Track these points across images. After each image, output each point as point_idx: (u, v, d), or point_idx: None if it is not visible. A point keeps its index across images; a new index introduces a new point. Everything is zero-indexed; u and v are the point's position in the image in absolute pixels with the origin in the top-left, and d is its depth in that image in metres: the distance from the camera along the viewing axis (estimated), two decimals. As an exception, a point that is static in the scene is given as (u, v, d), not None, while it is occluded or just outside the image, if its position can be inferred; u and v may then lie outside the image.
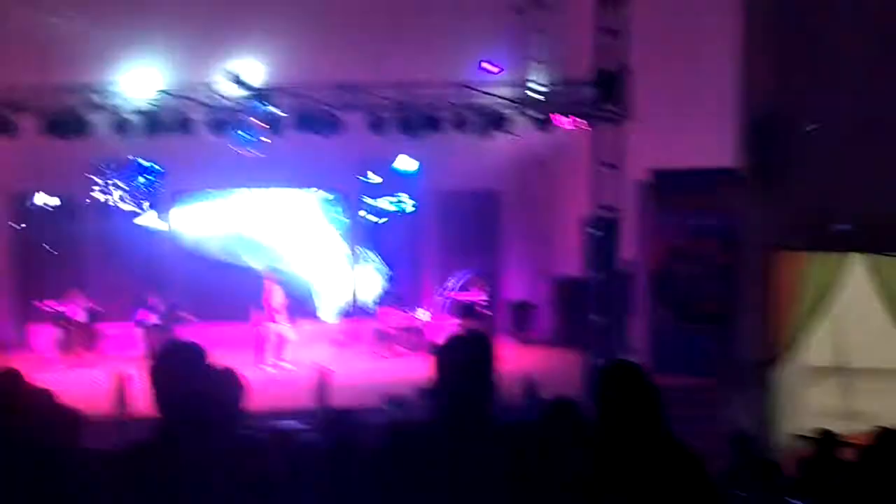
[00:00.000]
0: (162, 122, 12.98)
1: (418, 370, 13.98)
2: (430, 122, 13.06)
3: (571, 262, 15.67)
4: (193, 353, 3.17)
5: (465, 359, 3.12)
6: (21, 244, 17.48)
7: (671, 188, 14.08)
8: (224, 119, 13.07)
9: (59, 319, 16.10)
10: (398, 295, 16.95)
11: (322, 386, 12.62)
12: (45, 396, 4.06)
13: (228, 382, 3.90)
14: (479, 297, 16.79)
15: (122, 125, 12.98)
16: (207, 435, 3.06)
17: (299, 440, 7.70)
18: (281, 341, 15.46)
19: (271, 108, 12.96)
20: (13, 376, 3.30)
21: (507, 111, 13.31)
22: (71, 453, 3.58)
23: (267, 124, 13.19)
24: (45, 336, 16.56)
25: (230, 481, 2.99)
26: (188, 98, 13.01)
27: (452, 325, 16.56)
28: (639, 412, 3.16)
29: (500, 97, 13.27)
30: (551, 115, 13.51)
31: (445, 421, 3.12)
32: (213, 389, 3.18)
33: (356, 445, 6.87)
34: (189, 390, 3.07)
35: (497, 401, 3.16)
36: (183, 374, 3.11)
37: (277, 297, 15.66)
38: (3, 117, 12.75)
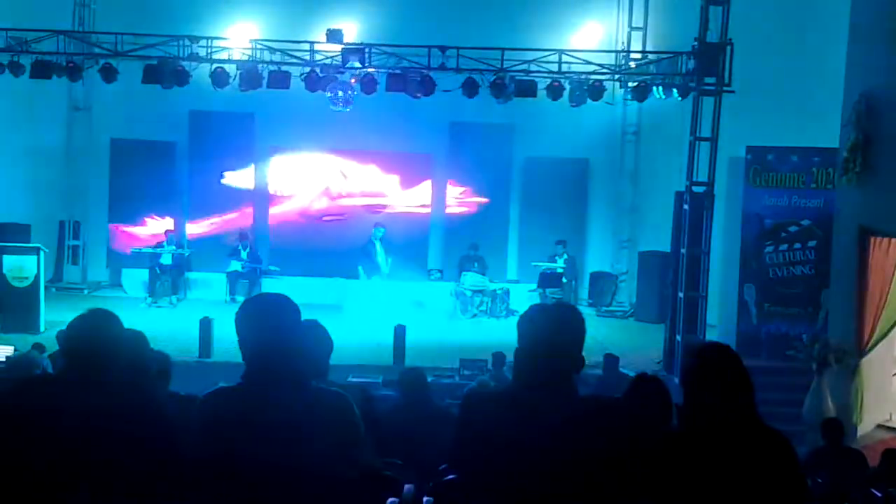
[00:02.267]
0: (259, 76, 13.09)
1: (496, 334, 14.11)
2: (525, 88, 12.94)
3: (659, 235, 15.46)
4: (280, 304, 3.21)
5: (551, 326, 3.09)
6: (118, 189, 17.89)
7: (766, 165, 13.77)
8: (320, 76, 13.13)
9: (151, 264, 16.50)
10: (480, 259, 16.92)
11: (399, 344, 12.75)
12: (137, 339, 4.16)
13: (315, 335, 3.95)
14: (562, 265, 16.68)
15: (220, 78, 13.12)
16: (291, 385, 3.10)
17: (378, 396, 7.80)
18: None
19: (366, 67, 12.97)
20: (108, 316, 3.37)
21: (604, 80, 13.12)
22: (159, 397, 3.66)
23: (361, 83, 13.23)
24: (136, 279, 17.04)
25: (310, 431, 3.03)
26: (286, 53, 13.11)
27: (534, 293, 16.57)
28: (729, 394, 3.10)
29: (597, 65, 13.08)
30: (648, 85, 13.28)
31: (526, 388, 3.10)
32: (299, 340, 3.21)
33: (430, 405, 6.95)
34: (274, 340, 3.10)
35: (577, 372, 3.13)
36: (269, 323, 3.15)
37: (379, 256, 15.81)
38: (106, 64, 13.01)
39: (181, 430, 3.21)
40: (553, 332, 3.09)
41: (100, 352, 3.26)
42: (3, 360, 11.55)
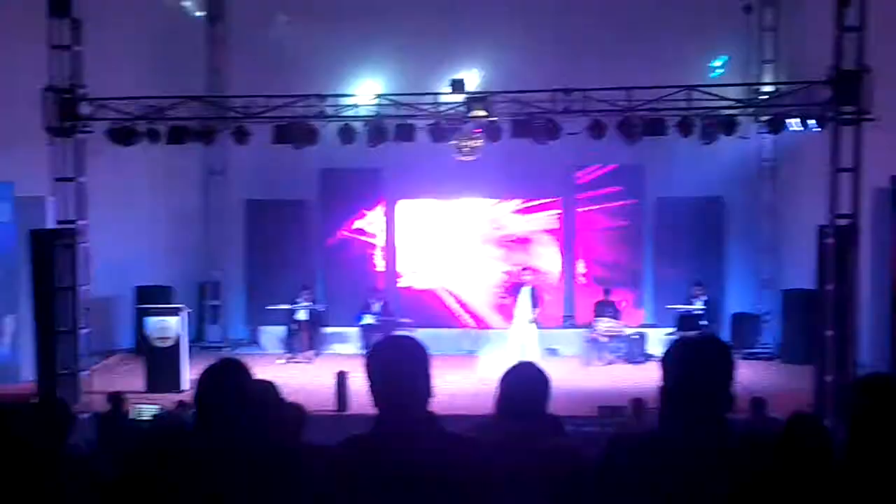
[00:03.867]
0: (386, 130, 13.20)
1: (633, 380, 13.73)
2: (654, 126, 12.66)
3: (802, 272, 14.85)
4: (409, 347, 3.11)
5: (697, 362, 2.88)
6: (254, 248, 18.32)
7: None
8: (445, 127, 13.17)
9: (287, 320, 16.78)
10: (615, 303, 16.60)
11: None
12: (271, 390, 4.12)
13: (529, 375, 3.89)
14: (701, 308, 16.19)
15: (347, 134, 13.29)
16: (424, 430, 2.98)
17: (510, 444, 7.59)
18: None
19: (490, 115, 12.94)
20: (236, 366, 3.33)
21: (736, 114, 12.74)
22: (293, 447, 3.58)
23: (486, 131, 13.20)
24: (273, 335, 17.34)
25: (439, 478, 2.90)
26: (411, 106, 13.19)
27: (672, 336, 16.12)
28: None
29: (729, 99, 12.71)
30: (784, 117, 12.83)
31: (673, 430, 2.89)
32: (430, 384, 3.09)
33: (568, 453, 6.70)
34: (405, 384, 3.00)
35: (727, 411, 2.90)
36: (398, 368, 3.05)
37: (522, 303, 15.54)
38: (238, 127, 13.34)
39: (314, 480, 3.12)
40: (700, 368, 2.88)
41: (228, 402, 3.22)
42: (150, 418, 11.87)
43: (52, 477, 4.25)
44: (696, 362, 2.89)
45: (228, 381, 3.27)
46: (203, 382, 3.27)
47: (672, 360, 2.95)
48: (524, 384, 3.87)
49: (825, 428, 4.15)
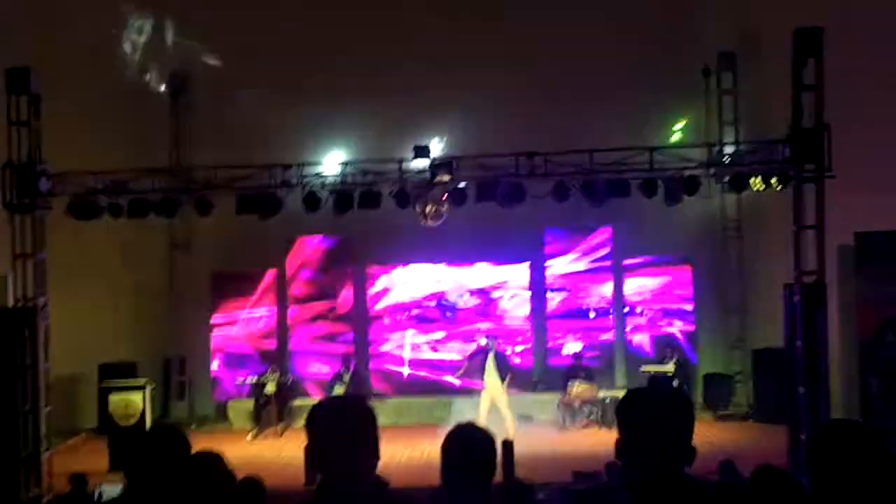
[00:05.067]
0: (351, 197, 13.14)
1: (608, 444, 13.56)
2: (618, 188, 12.69)
3: (771, 331, 14.83)
4: (352, 408, 2.98)
5: (652, 409, 2.77)
6: (218, 321, 18.13)
7: (877, 251, 13.19)
8: (410, 192, 13.13)
9: (255, 394, 16.51)
10: (587, 367, 16.51)
11: (507, 457, 12.31)
12: (215, 463, 3.97)
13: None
14: (671, 369, 16.10)
15: (312, 202, 13.21)
16: (364, 495, 2.85)
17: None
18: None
19: (454, 180, 12.92)
20: (176, 438, 3.19)
21: (698, 174, 12.80)
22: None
23: (451, 196, 13.17)
24: (242, 410, 17.04)
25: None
26: (376, 173, 13.16)
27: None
28: (866, 475, 2.72)
29: (691, 160, 12.78)
30: (745, 177, 12.90)
31: (635, 485, 2.77)
32: (372, 445, 2.96)
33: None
34: (347, 446, 2.87)
35: (688, 464, 2.78)
36: (340, 430, 2.92)
37: (490, 369, 15.36)
38: (200, 197, 13.23)
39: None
40: (656, 418, 2.77)
41: (159, 473, 3.07)
42: (111, 500, 11.55)
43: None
44: (651, 412, 2.79)
45: (161, 451, 3.12)
46: (134, 452, 3.12)
47: (626, 410, 2.85)
48: (467, 449, 3.69)
49: (793, 479, 4.04)
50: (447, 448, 3.58)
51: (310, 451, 2.94)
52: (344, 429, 2.93)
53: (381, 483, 2.94)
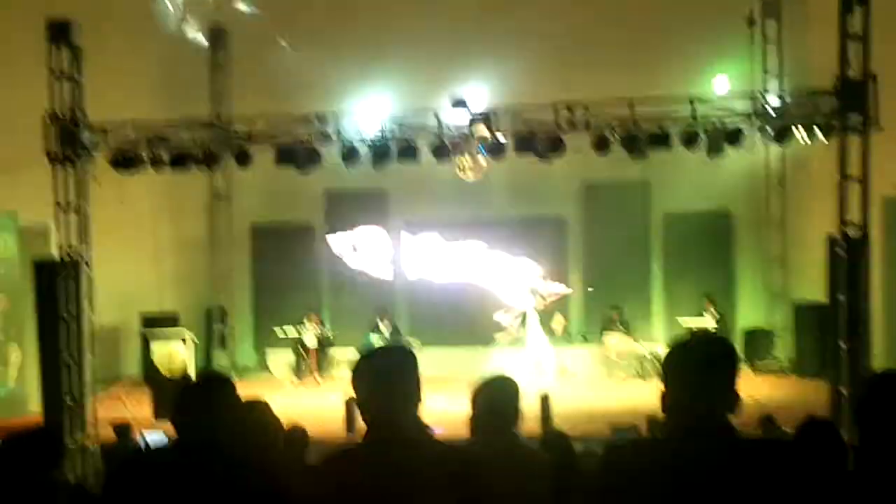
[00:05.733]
0: (389, 150, 13.10)
1: (647, 397, 13.56)
2: (659, 140, 12.55)
3: (812, 284, 14.70)
4: (396, 354, 3.01)
5: (699, 361, 2.75)
6: (261, 273, 18.27)
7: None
8: (448, 145, 13.06)
9: (295, 345, 16.69)
10: (625, 320, 16.48)
11: (545, 411, 12.37)
12: (263, 410, 4.02)
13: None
14: (711, 323, 16.03)
15: (351, 154, 13.19)
16: (412, 443, 2.87)
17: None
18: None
19: (493, 132, 12.83)
20: (219, 386, 3.22)
21: (741, 126, 12.62)
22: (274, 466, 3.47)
23: (489, 148, 13.09)
24: (282, 360, 17.22)
25: (432, 492, 2.79)
26: (414, 125, 13.10)
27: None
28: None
29: (734, 111, 12.59)
30: (789, 128, 12.70)
31: (676, 435, 2.75)
32: (418, 395, 2.98)
33: (579, 471, 6.57)
34: (391, 391, 2.90)
35: (732, 412, 2.76)
36: (384, 376, 2.94)
37: (533, 322, 15.44)
38: (240, 149, 13.26)
39: (301, 497, 3.02)
40: (702, 368, 2.75)
41: (208, 422, 3.11)
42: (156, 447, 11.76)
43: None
44: (696, 363, 2.77)
45: (210, 399, 3.16)
46: (183, 398, 3.16)
47: (672, 362, 2.83)
48: (495, 400, 3.79)
49: (838, 431, 4.00)
50: (474, 399, 3.69)
51: (357, 398, 2.97)
52: (388, 375, 2.96)
53: (425, 428, 2.97)
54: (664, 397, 2.84)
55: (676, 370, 2.79)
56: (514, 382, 3.86)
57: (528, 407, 12.16)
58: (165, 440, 11.71)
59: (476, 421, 3.70)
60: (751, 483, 2.60)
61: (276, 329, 17.00)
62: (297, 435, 4.76)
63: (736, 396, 2.75)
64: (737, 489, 2.59)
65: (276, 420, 4.19)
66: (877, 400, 2.81)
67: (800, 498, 2.65)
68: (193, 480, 2.98)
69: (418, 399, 2.97)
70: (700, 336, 3.14)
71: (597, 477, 2.91)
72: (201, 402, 3.15)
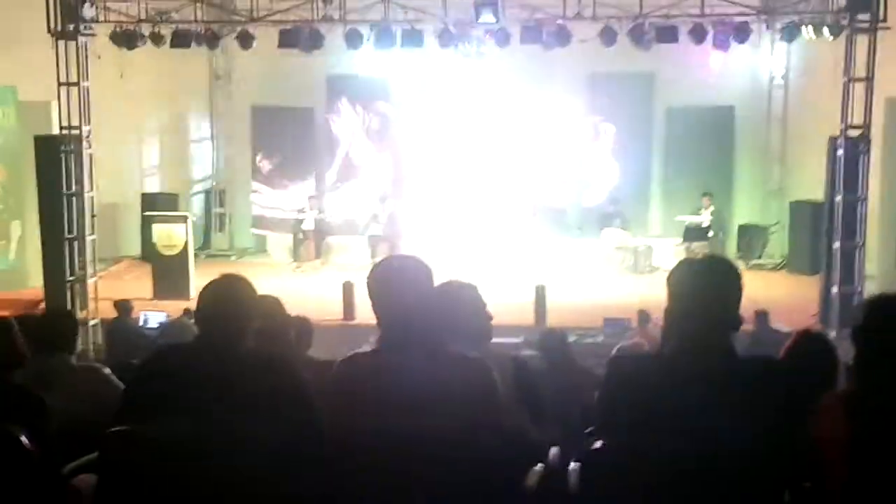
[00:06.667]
0: (393, 35, 12.96)
1: (639, 292, 13.77)
2: (667, 33, 12.43)
3: (810, 183, 14.76)
4: (411, 268, 3.09)
5: (704, 283, 2.84)
6: (261, 156, 18.20)
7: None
8: (453, 32, 12.93)
9: (294, 229, 16.77)
10: (622, 214, 16.55)
11: (540, 303, 12.58)
12: (276, 306, 4.13)
13: (454, 295, 3.81)
14: (708, 218, 16.13)
15: (354, 39, 13.05)
16: (426, 351, 2.98)
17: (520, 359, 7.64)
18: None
19: (498, 20, 12.69)
20: (239, 281, 3.32)
21: (749, 21, 12.50)
22: (294, 362, 3.59)
23: (494, 37, 12.97)
24: (280, 244, 17.35)
25: (446, 398, 2.90)
26: (418, 10, 12.94)
27: (679, 247, 16.11)
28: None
29: (742, 6, 12.45)
30: (797, 25, 12.58)
31: (678, 350, 2.87)
32: (432, 304, 3.08)
33: (574, 367, 6.76)
34: (406, 305, 2.99)
35: (733, 331, 2.87)
36: (400, 288, 3.04)
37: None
38: (243, 30, 13.13)
39: (316, 396, 3.14)
40: (707, 289, 2.84)
41: (231, 317, 3.22)
42: (157, 326, 11.97)
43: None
44: (702, 283, 2.86)
45: (231, 298, 3.26)
46: (204, 298, 3.25)
47: (677, 280, 2.91)
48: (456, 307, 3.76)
49: (831, 346, 4.13)
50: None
51: (373, 306, 3.07)
52: (403, 285, 3.04)
53: (437, 335, 3.06)
54: (667, 313, 2.93)
55: (681, 290, 2.88)
56: (471, 288, 3.87)
57: (524, 298, 12.25)
58: (164, 318, 11.94)
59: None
60: (745, 400, 2.73)
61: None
62: (305, 327, 4.88)
63: (737, 318, 2.85)
64: (732, 406, 2.71)
65: (287, 315, 4.31)
66: (873, 322, 2.92)
67: (791, 414, 2.78)
68: (218, 376, 3.09)
69: (432, 311, 3.06)
70: (706, 259, 3.20)
71: (600, 385, 3.02)
72: (223, 298, 3.24)
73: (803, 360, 3.95)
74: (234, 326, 3.21)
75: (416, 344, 3.00)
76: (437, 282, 3.19)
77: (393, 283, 3.08)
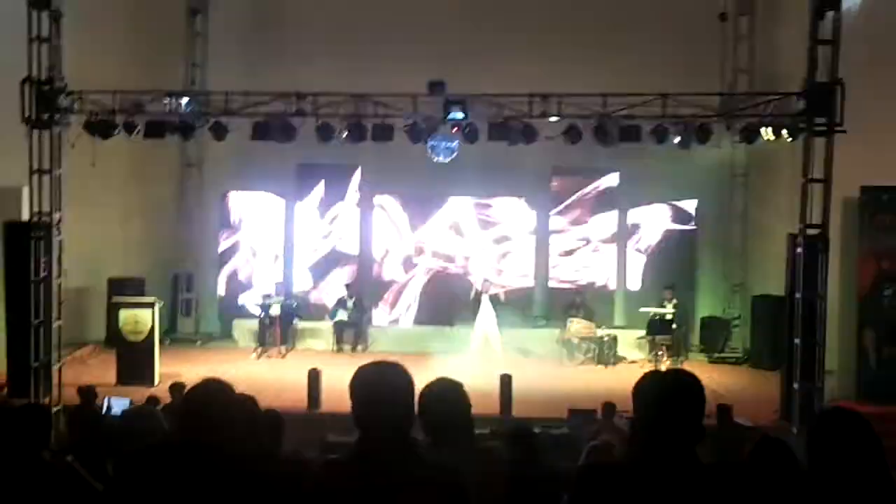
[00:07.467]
0: (364, 129, 13.23)
1: (604, 382, 13.88)
2: (630, 133, 12.79)
3: (772, 279, 15.06)
4: (395, 375, 3.18)
5: (671, 397, 2.98)
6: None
7: (882, 205, 13.38)
8: (422, 127, 13.22)
9: (260, 315, 16.76)
10: (586, 305, 16.76)
11: (506, 393, 12.62)
12: (250, 405, 4.20)
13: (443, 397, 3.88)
14: (671, 311, 16.34)
15: (326, 132, 13.30)
16: (404, 458, 3.06)
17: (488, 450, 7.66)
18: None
19: (467, 117, 13.00)
20: (221, 386, 3.41)
21: (710, 122, 12.89)
22: (272, 460, 3.65)
23: (462, 133, 13.25)
24: (246, 329, 17.32)
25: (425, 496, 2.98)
26: (389, 106, 13.22)
27: (642, 339, 16.30)
28: (860, 462, 2.95)
29: (703, 108, 12.86)
30: (757, 127, 12.99)
31: (646, 460, 2.99)
32: (413, 413, 3.17)
33: (538, 462, 6.81)
34: (386, 410, 3.08)
35: (697, 443, 3.01)
36: (381, 394, 3.12)
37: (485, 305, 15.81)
38: (217, 122, 13.35)
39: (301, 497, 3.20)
40: (673, 403, 2.98)
41: (216, 424, 3.30)
42: (120, 413, 11.86)
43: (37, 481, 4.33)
44: (667, 396, 2.99)
45: (215, 401, 3.35)
46: (189, 403, 3.34)
47: (643, 393, 3.05)
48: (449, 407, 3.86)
49: (792, 452, 4.26)
50: (423, 405, 3.64)
51: (353, 408, 3.14)
52: (384, 394, 3.13)
53: (413, 445, 3.15)
54: (634, 421, 3.07)
55: (646, 402, 3.02)
56: (458, 384, 3.95)
57: (489, 387, 12.21)
58: (128, 405, 11.78)
59: (433, 429, 3.75)
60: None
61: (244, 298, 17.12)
62: (276, 423, 4.94)
63: (701, 429, 2.99)
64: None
65: (261, 412, 4.38)
66: (825, 435, 3.07)
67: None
68: (200, 479, 3.15)
69: (410, 421, 3.15)
70: (670, 373, 3.35)
71: (573, 497, 3.12)
72: (204, 405, 3.33)
73: (765, 465, 4.06)
74: (220, 433, 3.29)
75: (395, 452, 3.08)
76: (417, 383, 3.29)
77: (374, 389, 3.16)
